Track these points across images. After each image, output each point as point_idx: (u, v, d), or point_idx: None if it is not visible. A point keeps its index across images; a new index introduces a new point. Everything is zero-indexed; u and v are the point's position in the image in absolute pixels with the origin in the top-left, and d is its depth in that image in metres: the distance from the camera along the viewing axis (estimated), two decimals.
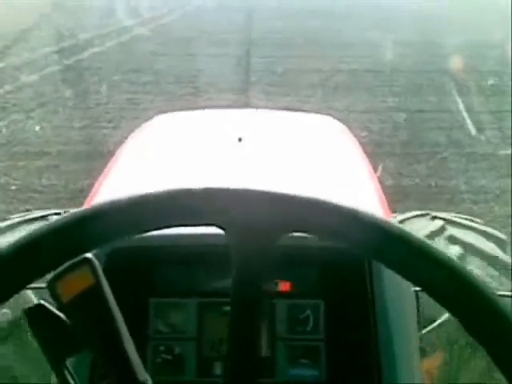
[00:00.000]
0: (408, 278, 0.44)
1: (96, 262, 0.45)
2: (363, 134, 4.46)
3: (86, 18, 10.51)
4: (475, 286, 0.41)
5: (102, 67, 7.62)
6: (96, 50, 8.37)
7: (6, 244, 0.43)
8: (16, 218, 1.35)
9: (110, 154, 4.41)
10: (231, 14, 10.84)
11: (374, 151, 3.67)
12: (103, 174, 1.21)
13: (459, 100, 5.75)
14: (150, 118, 1.59)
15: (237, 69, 7.37)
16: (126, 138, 1.51)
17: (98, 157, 4.35)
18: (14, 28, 10.58)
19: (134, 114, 5.43)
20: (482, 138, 4.76)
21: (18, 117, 5.38)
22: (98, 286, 0.45)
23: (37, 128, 5.07)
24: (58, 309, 0.46)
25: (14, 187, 3.64)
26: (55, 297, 0.45)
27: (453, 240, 1.22)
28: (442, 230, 1.26)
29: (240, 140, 1.17)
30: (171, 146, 1.28)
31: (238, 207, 0.44)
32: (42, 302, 0.47)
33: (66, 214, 0.44)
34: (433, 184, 3.83)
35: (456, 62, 7.07)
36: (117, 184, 1.12)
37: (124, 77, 7.13)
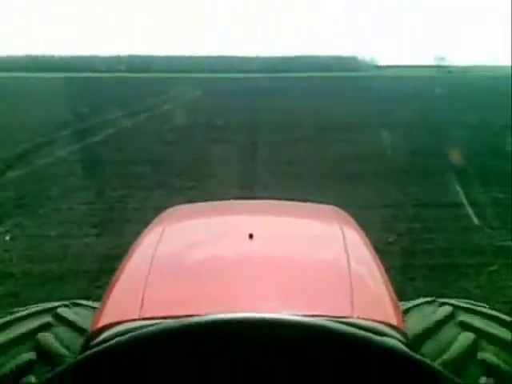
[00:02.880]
0: None
1: None
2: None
3: None
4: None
5: None
6: None
7: None
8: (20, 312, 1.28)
9: (88, 274, 3.42)
10: None
11: None
12: (122, 264, 1.26)
13: None
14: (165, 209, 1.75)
15: None
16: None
17: (71, 278, 3.52)
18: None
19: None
20: None
21: None
22: None
23: (7, 238, 4.28)
24: None
25: None
26: None
27: (464, 326, 1.18)
28: (451, 316, 1.23)
29: (251, 237, 1.27)
30: (187, 241, 1.37)
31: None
32: None
33: None
34: None
35: None
36: (137, 277, 1.15)
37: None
